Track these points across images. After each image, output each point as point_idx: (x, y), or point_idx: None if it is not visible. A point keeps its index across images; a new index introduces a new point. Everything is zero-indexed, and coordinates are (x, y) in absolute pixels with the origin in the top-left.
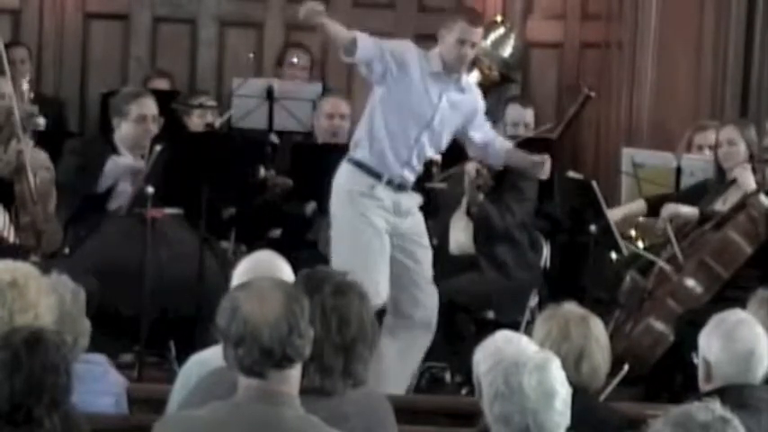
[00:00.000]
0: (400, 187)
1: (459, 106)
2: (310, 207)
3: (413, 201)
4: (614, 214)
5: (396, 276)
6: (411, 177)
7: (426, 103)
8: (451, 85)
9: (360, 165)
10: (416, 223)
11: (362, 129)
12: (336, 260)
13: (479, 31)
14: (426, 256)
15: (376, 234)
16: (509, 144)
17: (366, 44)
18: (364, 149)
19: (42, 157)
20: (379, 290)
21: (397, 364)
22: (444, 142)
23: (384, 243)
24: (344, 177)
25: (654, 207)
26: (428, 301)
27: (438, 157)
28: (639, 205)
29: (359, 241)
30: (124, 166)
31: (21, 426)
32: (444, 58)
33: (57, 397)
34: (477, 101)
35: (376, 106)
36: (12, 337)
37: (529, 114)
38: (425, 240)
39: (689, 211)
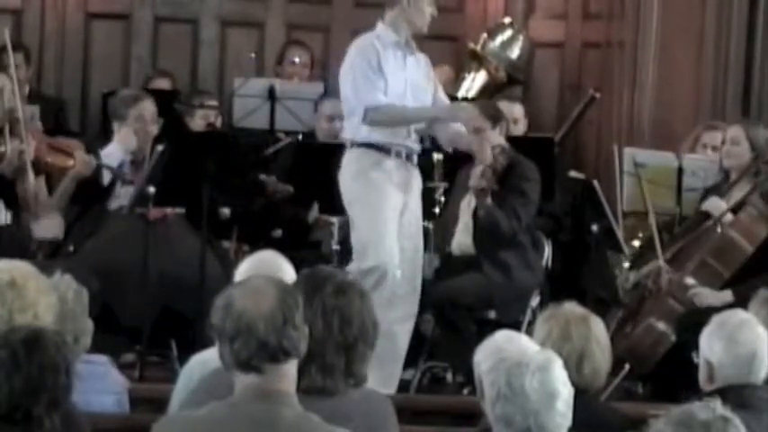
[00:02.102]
0: (408, 158)
1: (423, 65)
2: (312, 215)
3: (416, 173)
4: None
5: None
6: (416, 146)
7: (398, 74)
8: (412, 51)
9: (366, 145)
10: (418, 206)
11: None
12: (355, 235)
13: None
14: (415, 245)
15: (388, 204)
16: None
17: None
18: (366, 130)
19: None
20: (393, 257)
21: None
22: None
23: (396, 213)
24: (352, 161)
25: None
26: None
27: (440, 157)
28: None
29: (374, 211)
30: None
31: (20, 425)
32: (415, 23)
33: (57, 396)
34: (429, 68)
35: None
36: (10, 337)
37: (517, 109)
38: (418, 224)
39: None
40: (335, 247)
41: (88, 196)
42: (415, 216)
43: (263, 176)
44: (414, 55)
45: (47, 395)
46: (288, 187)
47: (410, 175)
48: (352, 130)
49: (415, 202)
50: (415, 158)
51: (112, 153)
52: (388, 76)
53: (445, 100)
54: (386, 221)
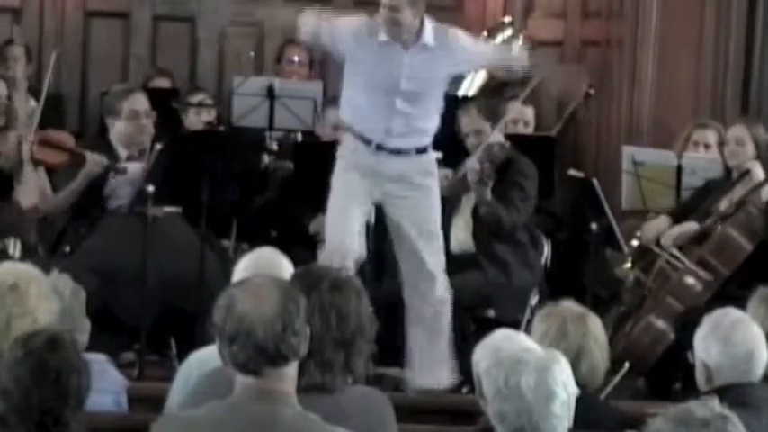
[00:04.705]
0: (395, 152)
1: (432, 60)
2: (314, 225)
3: (414, 166)
4: (650, 236)
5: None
6: (405, 145)
7: (386, 71)
8: (410, 48)
9: (351, 131)
10: (411, 192)
11: (343, 105)
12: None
13: None
14: (416, 230)
15: (344, 194)
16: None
17: (307, 26)
18: (350, 117)
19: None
20: (342, 249)
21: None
22: (431, 100)
23: (351, 204)
24: (341, 147)
25: (677, 220)
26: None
27: (439, 155)
28: (666, 222)
29: (331, 202)
30: (133, 169)
31: (51, 430)
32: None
33: (81, 398)
34: (454, 43)
35: (347, 82)
36: (31, 344)
37: (529, 113)
38: (422, 210)
39: (689, 228)
40: None
41: (91, 196)
42: (412, 205)
43: (265, 158)
44: (419, 50)
45: (73, 398)
46: (288, 163)
47: (399, 164)
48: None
49: (413, 195)
50: (413, 151)
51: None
52: (366, 62)
53: (481, 51)
54: (343, 209)
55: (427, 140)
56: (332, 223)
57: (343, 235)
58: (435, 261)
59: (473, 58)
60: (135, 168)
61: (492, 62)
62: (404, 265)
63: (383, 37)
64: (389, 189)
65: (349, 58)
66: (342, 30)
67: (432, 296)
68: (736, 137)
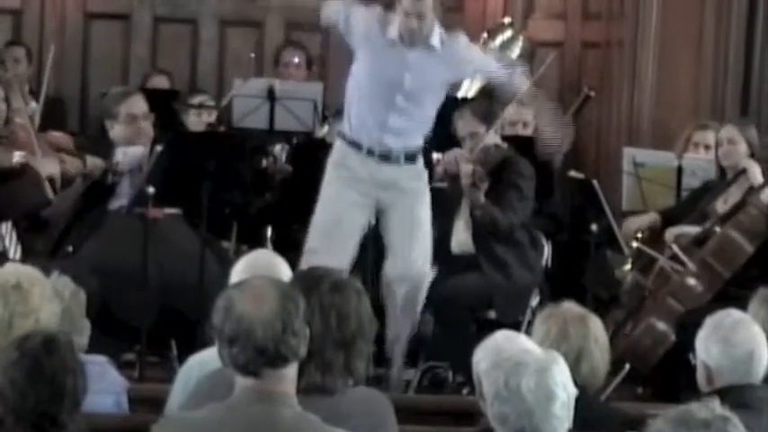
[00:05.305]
0: (383, 158)
1: (435, 63)
2: None
3: (403, 174)
4: (632, 228)
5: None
6: (396, 145)
7: (392, 67)
8: (416, 50)
9: (342, 136)
10: (404, 199)
11: (345, 100)
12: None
13: (424, 2)
14: (405, 235)
15: (332, 205)
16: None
17: (327, 9)
18: (346, 120)
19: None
20: (327, 261)
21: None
22: (429, 102)
23: (341, 215)
24: (332, 151)
25: (666, 219)
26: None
27: (440, 156)
28: (654, 218)
29: (318, 213)
30: (132, 154)
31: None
32: (398, 28)
33: (77, 399)
34: (461, 53)
35: (351, 74)
36: (27, 344)
37: (528, 114)
38: (410, 212)
39: (693, 231)
40: None
41: (93, 197)
42: (405, 214)
43: (264, 161)
44: (426, 52)
45: (69, 399)
46: (287, 167)
47: (389, 172)
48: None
49: (404, 200)
50: (402, 158)
51: (131, 149)
52: (373, 53)
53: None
54: (333, 219)
55: (417, 146)
56: (322, 240)
57: (331, 254)
58: (420, 249)
59: (476, 70)
60: (135, 152)
61: (492, 78)
62: (389, 251)
63: (392, 34)
64: (381, 197)
65: (357, 49)
66: (357, 20)
67: (409, 275)
68: (728, 137)
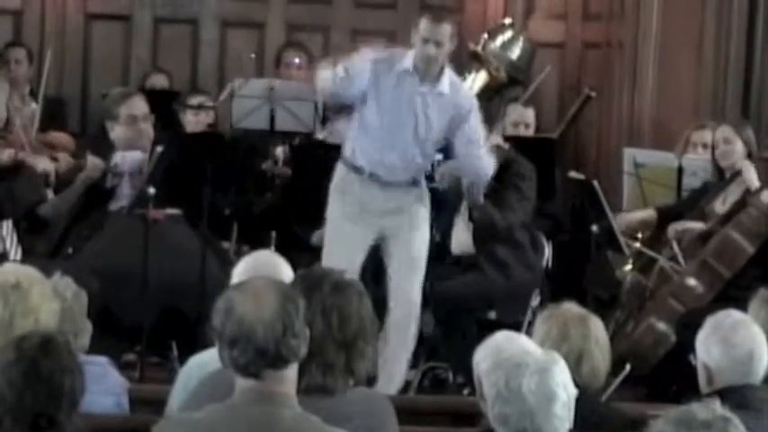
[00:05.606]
0: (387, 184)
1: (440, 107)
2: (316, 236)
3: (406, 197)
4: (624, 221)
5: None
6: (400, 177)
7: (405, 98)
8: (427, 86)
9: (344, 161)
10: (403, 224)
11: (350, 130)
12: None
13: (443, 29)
14: (406, 261)
15: (335, 228)
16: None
17: (325, 80)
18: (349, 146)
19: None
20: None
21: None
22: (431, 142)
23: (344, 236)
24: (335, 174)
25: (663, 217)
26: (397, 310)
27: (440, 157)
28: (649, 214)
29: (326, 254)
30: (131, 159)
31: None
32: (414, 57)
33: (75, 399)
34: (463, 105)
35: (359, 112)
36: (24, 345)
37: (530, 115)
38: (410, 244)
39: (696, 226)
40: None
41: (93, 199)
42: (408, 243)
43: (263, 164)
44: (434, 94)
45: (66, 399)
46: (287, 170)
47: (391, 198)
48: (345, 140)
49: (404, 230)
50: (404, 183)
51: (129, 154)
52: (381, 93)
53: (472, 151)
54: (338, 247)
55: (421, 171)
56: (328, 259)
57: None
58: (416, 290)
59: (463, 134)
60: (134, 157)
61: (466, 156)
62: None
63: (406, 65)
64: (383, 225)
65: (368, 90)
66: (359, 64)
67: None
68: (724, 137)
